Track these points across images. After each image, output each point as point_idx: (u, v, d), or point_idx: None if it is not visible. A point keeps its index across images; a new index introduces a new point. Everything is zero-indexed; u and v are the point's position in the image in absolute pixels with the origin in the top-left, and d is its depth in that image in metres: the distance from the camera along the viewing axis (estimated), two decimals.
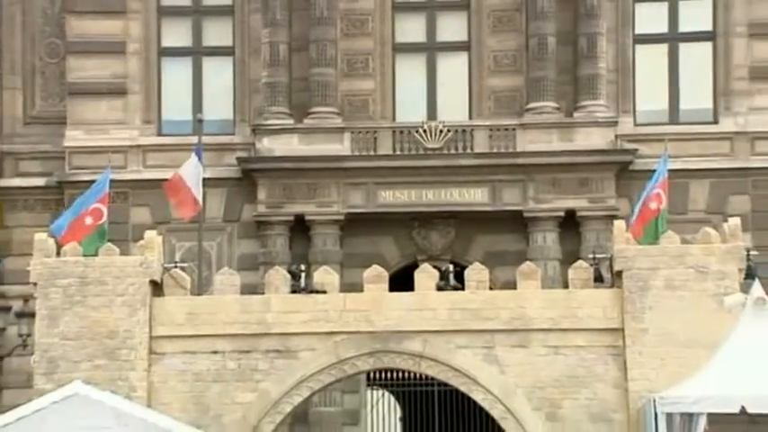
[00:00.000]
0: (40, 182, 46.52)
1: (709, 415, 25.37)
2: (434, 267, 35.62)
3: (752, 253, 34.50)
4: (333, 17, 46.58)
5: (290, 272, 36.00)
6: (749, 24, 46.46)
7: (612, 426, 31.55)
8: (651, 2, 47.39)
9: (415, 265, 37.44)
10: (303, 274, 36.46)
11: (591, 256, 37.56)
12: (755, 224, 42.29)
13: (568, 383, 33.14)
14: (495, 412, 33.48)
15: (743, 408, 25.23)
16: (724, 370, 27.17)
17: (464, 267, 35.95)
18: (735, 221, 35.05)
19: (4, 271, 45.25)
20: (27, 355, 36.45)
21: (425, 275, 34.50)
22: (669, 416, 26.68)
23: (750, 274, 32.68)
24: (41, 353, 33.58)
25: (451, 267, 37.28)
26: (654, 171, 36.56)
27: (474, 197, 45.65)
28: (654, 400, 27.87)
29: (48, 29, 47.64)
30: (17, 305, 39.30)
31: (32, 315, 35.36)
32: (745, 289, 30.68)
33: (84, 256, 33.70)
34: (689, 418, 25.64)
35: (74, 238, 33.56)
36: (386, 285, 34.35)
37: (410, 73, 47.87)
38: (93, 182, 35.96)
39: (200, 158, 38.69)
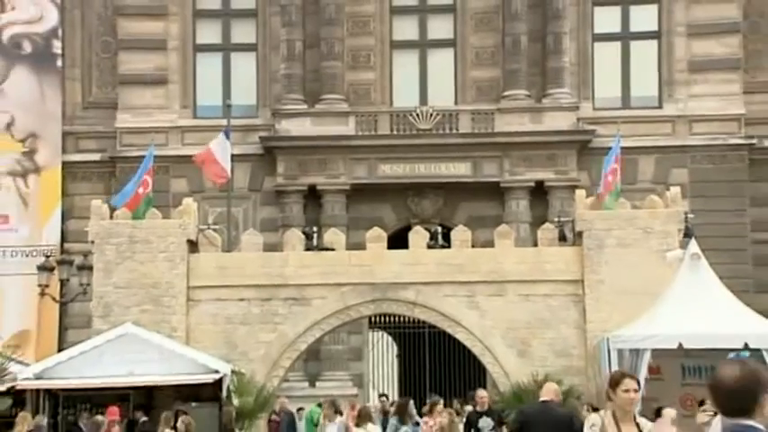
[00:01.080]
0: (95, 157, 46.42)
1: (653, 350, 25.51)
2: (425, 229, 35.79)
3: (689, 216, 34.70)
4: (340, 19, 46.56)
5: (304, 233, 36.17)
6: (688, 25, 46.38)
7: (572, 360, 31.70)
8: (607, 6, 47.31)
9: (409, 228, 37.48)
10: (315, 235, 36.60)
11: (556, 219, 37.63)
12: (693, 192, 42.29)
13: (536, 325, 33.29)
14: (476, 350, 33.66)
15: (680, 344, 25.41)
16: (665, 314, 27.30)
17: (450, 229, 36.16)
18: (675, 190, 35.21)
19: (67, 231, 45.34)
20: (86, 300, 36.51)
21: (418, 236, 34.66)
22: (620, 351, 26.74)
23: (687, 234, 32.82)
24: (98, 299, 33.80)
25: (440, 229, 37.49)
26: (609, 148, 36.73)
27: (458, 170, 45.63)
28: (607, 339, 27.98)
29: (102, 29, 47.51)
30: (78, 259, 39.29)
31: (90, 268, 35.52)
32: (684, 246, 30.87)
33: (134, 219, 33.92)
34: (636, 353, 25.72)
35: (129, 204, 33.75)
36: (384, 244, 34.51)
37: (405, 66, 47.73)
38: (139, 157, 36.13)
39: (228, 138, 38.82)
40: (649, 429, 10.56)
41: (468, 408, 29.26)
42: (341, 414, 30.72)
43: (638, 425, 10.48)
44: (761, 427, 7.26)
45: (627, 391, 10.36)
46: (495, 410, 26.86)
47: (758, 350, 22.60)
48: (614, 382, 10.60)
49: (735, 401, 7.32)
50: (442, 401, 29.37)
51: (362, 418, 23.98)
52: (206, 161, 38.35)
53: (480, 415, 25.92)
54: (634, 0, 47.28)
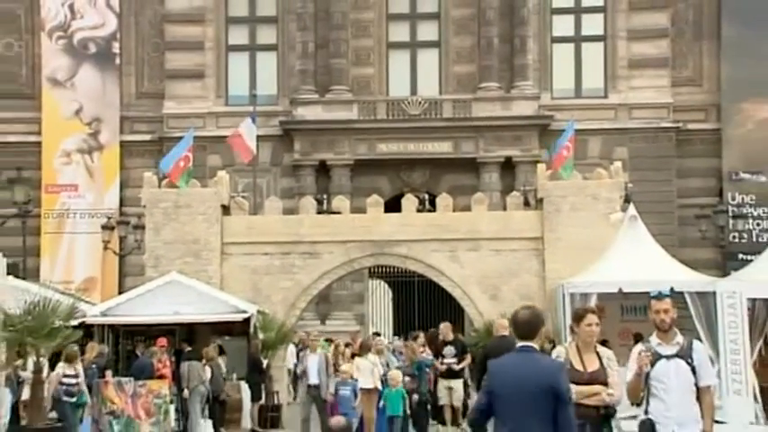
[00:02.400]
0: (146, 137, 46.42)
1: (598, 294, 25.56)
2: (415, 196, 35.72)
3: (628, 185, 34.91)
4: (345, 24, 46.43)
5: (316, 199, 36.21)
6: (627, 30, 46.32)
7: (534, 302, 31.63)
8: (562, 14, 47.19)
9: (401, 195, 37.36)
10: (325, 201, 36.79)
11: (521, 188, 37.74)
12: (631, 166, 42.28)
13: (505, 274, 33.29)
14: (456, 294, 33.68)
15: (620, 289, 25.48)
16: (608, 264, 27.37)
17: (435, 196, 36.14)
18: (617, 164, 35.16)
19: (125, 197, 45.42)
20: (140, 254, 36.55)
21: (409, 202, 34.63)
22: (572, 295, 26.69)
23: (627, 200, 32.98)
24: (149, 252, 33.79)
25: (427, 196, 37.70)
26: (564, 130, 36.77)
27: (442, 148, 45.60)
28: (562, 286, 27.93)
29: (152, 33, 47.37)
30: (133, 220, 39.37)
31: (143, 227, 35.48)
32: (624, 210, 30.94)
33: (177, 187, 33.97)
34: (585, 296, 25.63)
35: (173, 176, 33.79)
36: (382, 209, 34.42)
37: (398, 62, 47.57)
38: (181, 137, 36.13)
39: (254, 121, 38.89)
40: (608, 356, 10.22)
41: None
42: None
43: (598, 354, 10.23)
44: (536, 346, 8.97)
45: (589, 325, 10.16)
46: (459, 341, 26.57)
47: (681, 293, 22.73)
48: (578, 317, 10.38)
49: (525, 330, 8.99)
50: (422, 334, 29.16)
51: (363, 349, 23.99)
52: (236, 141, 38.48)
53: (445, 344, 25.69)
54: (585, 9, 47.21)
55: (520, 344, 8.98)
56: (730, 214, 43.66)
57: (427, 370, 25.20)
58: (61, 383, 21.22)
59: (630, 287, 24.44)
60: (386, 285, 48.20)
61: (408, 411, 22.66)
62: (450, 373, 25.16)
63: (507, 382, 8.77)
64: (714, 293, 24.95)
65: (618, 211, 31.68)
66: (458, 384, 25.27)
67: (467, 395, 25.77)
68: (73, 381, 21.37)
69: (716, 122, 46.36)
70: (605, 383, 9.95)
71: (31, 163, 44.29)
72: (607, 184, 33.95)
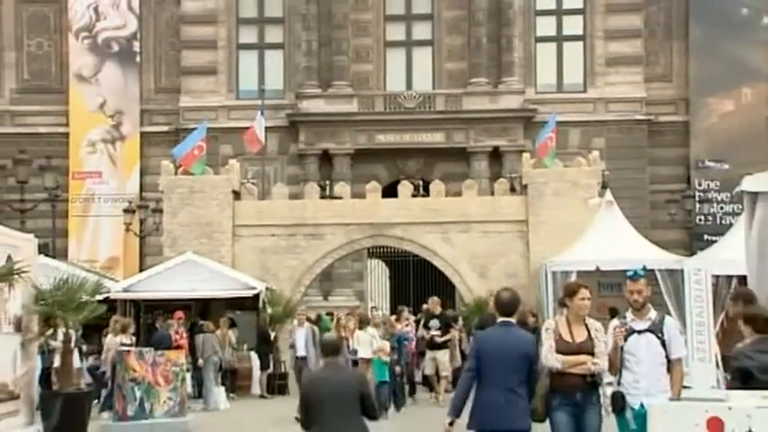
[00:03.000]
0: (164, 128, 46.28)
1: (577, 272, 25.58)
2: (410, 183, 35.83)
3: (605, 173, 34.92)
4: (346, 24, 46.34)
5: (319, 185, 36.31)
6: (605, 31, 46.26)
7: (519, 280, 31.55)
8: (545, 16, 47.09)
9: (398, 182, 37.44)
10: (327, 187, 36.74)
11: (508, 175, 37.90)
12: (608, 155, 42.06)
13: (493, 254, 33.41)
14: (448, 272, 33.85)
15: (597, 267, 25.52)
16: (587, 245, 27.48)
17: (429, 183, 36.31)
18: (595, 153, 35.39)
19: (144, 183, 45.42)
20: (159, 235, 36.63)
21: (404, 188, 34.79)
22: (554, 273, 26.85)
23: (604, 186, 33.05)
24: (167, 234, 33.92)
25: (421, 183, 37.64)
26: (547, 122, 36.84)
27: (435, 138, 45.56)
28: (545, 265, 28.12)
29: (169, 33, 47.26)
30: (152, 204, 39.41)
31: (161, 211, 35.57)
32: (601, 195, 30.96)
33: (192, 174, 33.98)
34: (565, 274, 25.72)
35: (186, 163, 33.81)
36: (379, 194, 34.58)
37: (395, 60, 47.46)
38: (195, 129, 36.17)
39: (263, 114, 39.01)
40: (596, 328, 10.08)
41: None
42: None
43: (587, 326, 10.08)
44: (514, 321, 9.97)
45: (582, 299, 10.05)
46: (445, 314, 26.29)
47: (652, 270, 22.78)
48: (572, 291, 10.23)
49: (506, 309, 9.93)
50: (406, 309, 28.86)
51: (363, 322, 23.96)
52: (247, 133, 38.49)
53: (432, 316, 25.59)
54: (565, 11, 47.11)
55: (501, 319, 9.97)
56: (697, 199, 44.03)
57: (405, 343, 24.93)
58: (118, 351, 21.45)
59: (607, 265, 24.56)
60: (383, 264, 48.17)
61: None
62: (434, 345, 24.97)
63: (493, 349, 9.74)
64: (682, 271, 24.80)
65: (595, 197, 31.71)
66: (442, 355, 25.02)
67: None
68: (128, 349, 21.55)
69: (684, 115, 46.39)
70: (593, 354, 9.88)
71: (59, 152, 44.24)
72: (586, 172, 34.07)
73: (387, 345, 22.31)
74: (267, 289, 29.82)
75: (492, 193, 36.03)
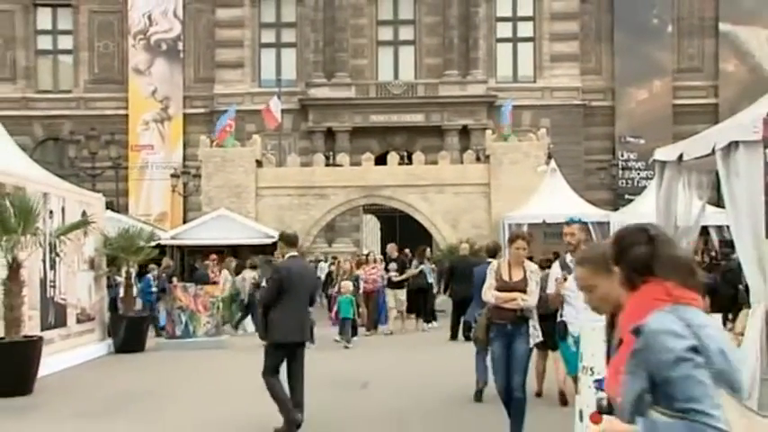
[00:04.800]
0: (202, 110, 46.06)
1: (528, 224, 25.71)
2: (397, 154, 35.93)
3: (550, 146, 34.91)
4: (346, 27, 45.97)
5: (324, 156, 36.32)
6: (550, 34, 45.94)
7: (482, 231, 31.85)
8: (504, 22, 46.64)
9: (387, 153, 37.57)
10: (331, 157, 36.74)
11: (474, 148, 37.81)
12: (553, 132, 41.63)
13: (463, 209, 33.59)
14: (427, 225, 34.02)
15: (544, 220, 25.66)
16: (535, 203, 27.67)
17: (412, 154, 36.28)
18: (543, 131, 35.53)
19: (187, 154, 45.30)
20: (198, 195, 36.64)
21: (392, 158, 34.85)
22: (510, 225, 26.82)
23: (549, 156, 33.09)
24: (204, 193, 34.04)
25: (405, 154, 37.59)
26: (504, 105, 36.82)
27: (417, 118, 45.33)
28: (503, 218, 28.34)
29: (206, 34, 46.92)
30: (193, 171, 39.28)
31: (200, 176, 35.59)
32: (547, 164, 31.11)
33: (223, 147, 33.98)
34: (519, 225, 25.55)
35: (220, 138, 33.85)
36: (372, 163, 34.69)
37: (385, 56, 47.21)
38: (226, 111, 36.18)
39: (279, 99, 38.99)
40: (531, 269, 9.49)
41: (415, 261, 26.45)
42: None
43: (524, 268, 9.48)
44: (496, 262, 9.77)
45: (518, 248, 9.48)
46: (401, 259, 24.23)
47: (586, 222, 22.88)
48: (511, 240, 9.72)
49: (492, 253, 11.04)
50: (374, 252, 27.43)
51: (359, 264, 24.10)
52: (266, 113, 38.51)
53: (390, 260, 23.64)
54: (519, 18, 46.84)
55: (488, 260, 10.74)
56: (620, 167, 44.27)
57: (357, 284, 22.81)
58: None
59: (551, 219, 24.63)
60: (375, 219, 48.26)
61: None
62: (392, 284, 22.87)
63: (482, 278, 9.89)
64: (608, 223, 25.44)
65: (543, 165, 31.87)
66: (401, 293, 22.99)
67: (432, 297, 24.15)
68: (177, 284, 21.72)
69: (611, 101, 46.40)
70: (525, 292, 9.40)
71: (121, 129, 44.21)
72: (535, 145, 34.25)
73: (350, 284, 21.65)
74: None
75: (462, 162, 36.12)
